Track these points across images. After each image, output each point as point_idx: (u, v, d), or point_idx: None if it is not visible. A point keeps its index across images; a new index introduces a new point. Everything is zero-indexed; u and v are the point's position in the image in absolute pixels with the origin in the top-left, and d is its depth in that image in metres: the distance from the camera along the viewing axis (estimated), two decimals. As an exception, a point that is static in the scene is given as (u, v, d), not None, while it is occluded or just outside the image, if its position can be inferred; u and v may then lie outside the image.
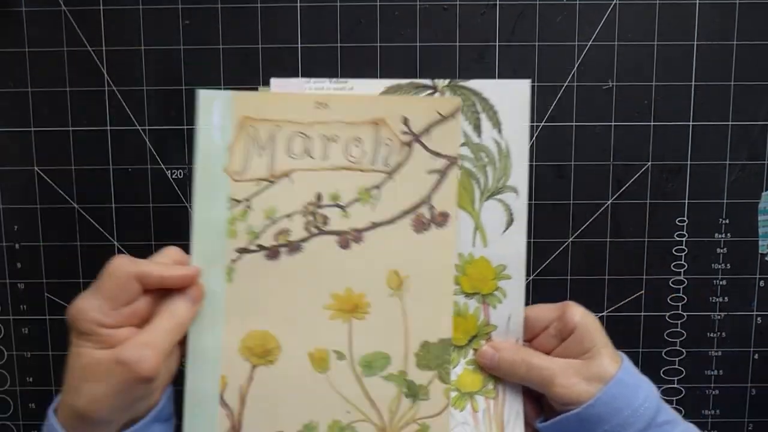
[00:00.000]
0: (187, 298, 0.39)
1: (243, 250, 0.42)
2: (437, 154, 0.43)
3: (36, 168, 0.53)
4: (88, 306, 0.37)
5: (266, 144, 0.42)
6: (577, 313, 0.41)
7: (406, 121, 0.43)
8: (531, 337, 0.43)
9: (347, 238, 0.42)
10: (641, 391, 0.39)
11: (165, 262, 0.40)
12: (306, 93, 0.43)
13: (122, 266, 0.38)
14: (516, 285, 0.43)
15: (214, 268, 0.42)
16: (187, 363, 0.41)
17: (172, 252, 0.41)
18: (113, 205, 0.53)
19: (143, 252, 0.53)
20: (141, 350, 0.36)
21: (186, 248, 0.53)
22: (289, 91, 0.44)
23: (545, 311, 0.43)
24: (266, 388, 0.42)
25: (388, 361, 0.43)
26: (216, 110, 0.42)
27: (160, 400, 0.39)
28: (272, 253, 0.42)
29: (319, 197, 0.42)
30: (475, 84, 0.43)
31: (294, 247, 0.42)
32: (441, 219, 0.43)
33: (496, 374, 0.43)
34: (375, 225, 0.43)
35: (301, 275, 0.42)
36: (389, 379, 0.43)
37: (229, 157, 0.42)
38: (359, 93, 0.43)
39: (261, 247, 0.42)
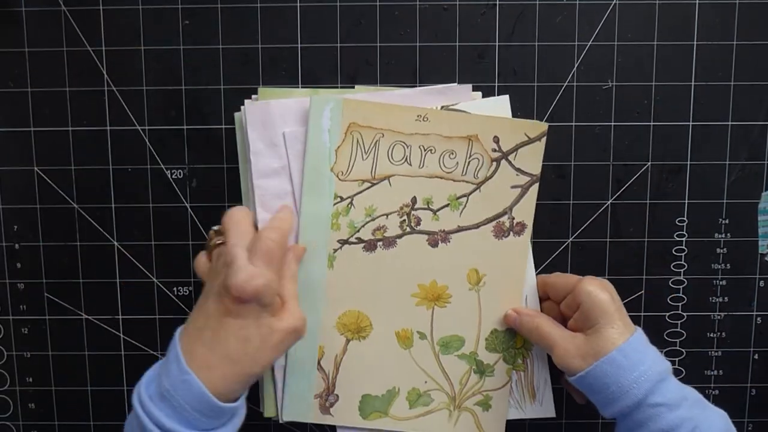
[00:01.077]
0: (297, 260, 0.46)
1: (344, 242, 0.49)
2: (521, 172, 0.49)
3: (36, 168, 0.53)
4: (271, 280, 0.41)
5: (370, 149, 0.48)
6: (584, 292, 0.45)
7: (497, 140, 0.48)
8: (558, 301, 0.48)
9: (436, 238, 0.49)
10: (634, 372, 0.41)
11: (277, 221, 0.46)
12: (409, 106, 0.48)
13: (282, 237, 0.43)
14: (530, 272, 0.51)
15: (318, 256, 0.49)
16: None
17: (245, 211, 0.45)
18: (113, 205, 0.53)
19: (143, 252, 0.53)
20: (300, 317, 0.42)
21: (184, 249, 0.53)
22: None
23: (565, 281, 0.47)
24: (358, 359, 0.50)
25: (462, 343, 0.50)
26: (326, 114, 0.47)
27: None
28: (369, 245, 0.49)
29: (414, 200, 0.48)
30: (462, 106, 0.49)
31: (389, 242, 0.49)
32: (519, 228, 0.49)
33: (519, 333, 0.50)
34: (461, 228, 0.49)
35: (393, 267, 0.49)
36: (462, 357, 0.50)
37: (335, 158, 0.48)
38: (456, 111, 0.49)
39: (360, 240, 0.49)
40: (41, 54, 0.52)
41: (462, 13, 0.51)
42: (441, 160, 0.48)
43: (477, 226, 0.49)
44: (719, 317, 0.54)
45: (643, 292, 0.54)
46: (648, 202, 0.53)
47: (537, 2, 0.51)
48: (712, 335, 0.54)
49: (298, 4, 0.51)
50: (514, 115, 0.51)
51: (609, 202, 0.53)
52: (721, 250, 0.53)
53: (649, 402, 0.41)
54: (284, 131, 0.48)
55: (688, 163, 0.52)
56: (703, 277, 0.53)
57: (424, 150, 0.48)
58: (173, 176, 0.53)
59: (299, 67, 0.52)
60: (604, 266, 0.53)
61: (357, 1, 0.51)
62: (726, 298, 0.54)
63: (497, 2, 0.51)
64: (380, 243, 0.48)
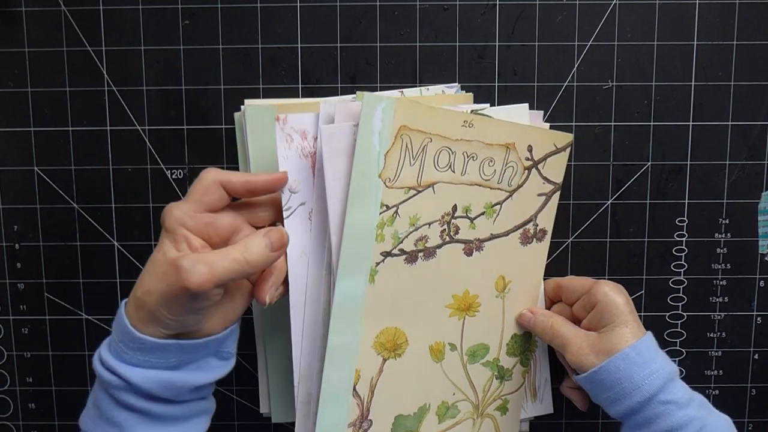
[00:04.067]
0: (266, 240, 0.39)
1: (387, 254, 0.45)
2: (547, 180, 0.49)
3: (36, 168, 0.53)
4: (176, 206, 0.39)
5: (418, 154, 0.44)
6: (600, 292, 0.45)
7: (530, 149, 0.48)
8: (571, 303, 0.49)
9: (471, 247, 0.48)
10: (647, 369, 0.42)
11: (255, 173, 0.42)
12: (456, 111, 0.45)
13: (209, 172, 0.40)
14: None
15: (359, 271, 0.44)
16: (326, 357, 0.44)
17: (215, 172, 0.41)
18: (113, 205, 0.53)
19: (143, 252, 0.53)
20: (197, 264, 0.36)
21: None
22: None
23: (582, 284, 0.48)
24: (392, 379, 0.47)
25: (487, 350, 0.50)
26: (378, 114, 0.43)
27: (219, 332, 0.41)
28: (411, 257, 0.46)
29: (454, 208, 0.46)
30: (487, 112, 0.48)
31: (429, 252, 0.46)
32: (541, 235, 0.50)
33: (532, 332, 0.50)
34: (493, 236, 0.48)
35: (432, 278, 0.47)
36: (486, 365, 0.50)
37: (384, 163, 0.43)
38: (498, 118, 0.47)
39: (402, 252, 0.45)
40: (41, 54, 0.52)
41: (462, 13, 0.51)
42: (481, 167, 0.47)
43: (507, 233, 0.49)
44: (719, 317, 0.54)
45: (643, 292, 0.54)
46: (648, 202, 0.53)
47: (537, 2, 0.51)
48: (712, 335, 0.54)
49: (298, 4, 0.51)
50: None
51: (609, 202, 0.53)
52: (721, 250, 0.53)
53: (660, 399, 0.42)
54: (321, 126, 0.43)
55: (688, 163, 0.52)
56: (703, 277, 0.53)
57: (467, 156, 0.46)
58: (173, 176, 0.53)
59: (299, 67, 0.52)
60: (604, 266, 0.53)
61: (357, 1, 0.51)
62: (726, 298, 0.54)
63: (497, 2, 0.51)
64: (421, 254, 0.46)
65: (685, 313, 0.54)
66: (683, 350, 0.54)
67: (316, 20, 0.51)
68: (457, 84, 0.51)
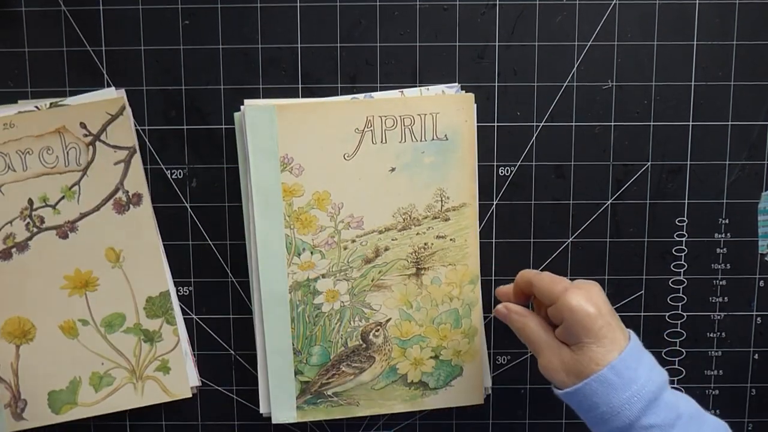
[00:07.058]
0: None
1: None
2: (117, 147, 0.51)
3: (36, 168, 0.53)
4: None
5: None
6: (566, 308, 0.41)
7: (84, 125, 0.50)
8: (545, 306, 0.44)
9: (65, 230, 0.51)
10: (627, 392, 0.39)
11: None
12: None
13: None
14: None
15: None
16: None
17: None
18: (113, 205, 0.53)
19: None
20: None
21: (184, 249, 0.53)
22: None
23: (550, 290, 0.43)
24: (32, 360, 0.52)
25: (123, 318, 0.53)
26: None
27: None
28: (5, 254, 0.51)
29: (30, 202, 0.51)
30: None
31: (21, 246, 0.51)
32: (136, 199, 0.52)
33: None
34: (83, 215, 0.51)
35: (34, 266, 0.51)
36: (128, 331, 0.53)
37: None
38: (40, 109, 0.50)
39: None
40: (41, 54, 0.52)
41: (462, 13, 0.51)
42: (41, 157, 0.50)
43: (98, 208, 0.51)
44: (719, 317, 0.54)
45: (643, 292, 0.54)
46: (648, 202, 0.53)
47: (537, 2, 0.51)
48: (712, 335, 0.54)
49: (298, 4, 0.51)
50: (514, 115, 0.52)
51: (609, 202, 0.53)
52: (721, 250, 0.53)
53: (642, 424, 0.39)
54: None
55: (688, 163, 0.52)
56: (703, 277, 0.53)
57: (22, 153, 0.50)
58: (173, 176, 0.53)
59: (299, 67, 0.52)
60: (604, 266, 0.53)
61: (357, 1, 0.51)
62: (726, 298, 0.54)
63: (497, 2, 0.51)
64: (14, 249, 0.51)
65: (685, 313, 0.54)
66: (683, 350, 0.54)
67: (316, 20, 0.51)
68: (457, 84, 0.51)
